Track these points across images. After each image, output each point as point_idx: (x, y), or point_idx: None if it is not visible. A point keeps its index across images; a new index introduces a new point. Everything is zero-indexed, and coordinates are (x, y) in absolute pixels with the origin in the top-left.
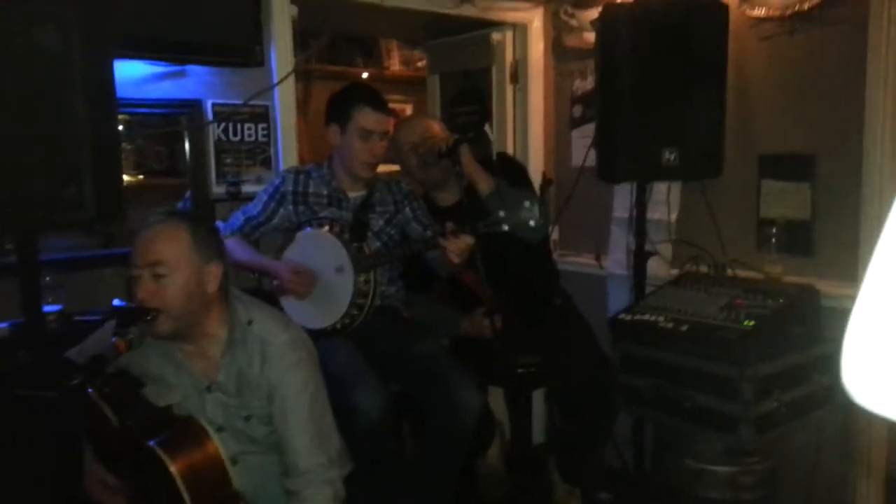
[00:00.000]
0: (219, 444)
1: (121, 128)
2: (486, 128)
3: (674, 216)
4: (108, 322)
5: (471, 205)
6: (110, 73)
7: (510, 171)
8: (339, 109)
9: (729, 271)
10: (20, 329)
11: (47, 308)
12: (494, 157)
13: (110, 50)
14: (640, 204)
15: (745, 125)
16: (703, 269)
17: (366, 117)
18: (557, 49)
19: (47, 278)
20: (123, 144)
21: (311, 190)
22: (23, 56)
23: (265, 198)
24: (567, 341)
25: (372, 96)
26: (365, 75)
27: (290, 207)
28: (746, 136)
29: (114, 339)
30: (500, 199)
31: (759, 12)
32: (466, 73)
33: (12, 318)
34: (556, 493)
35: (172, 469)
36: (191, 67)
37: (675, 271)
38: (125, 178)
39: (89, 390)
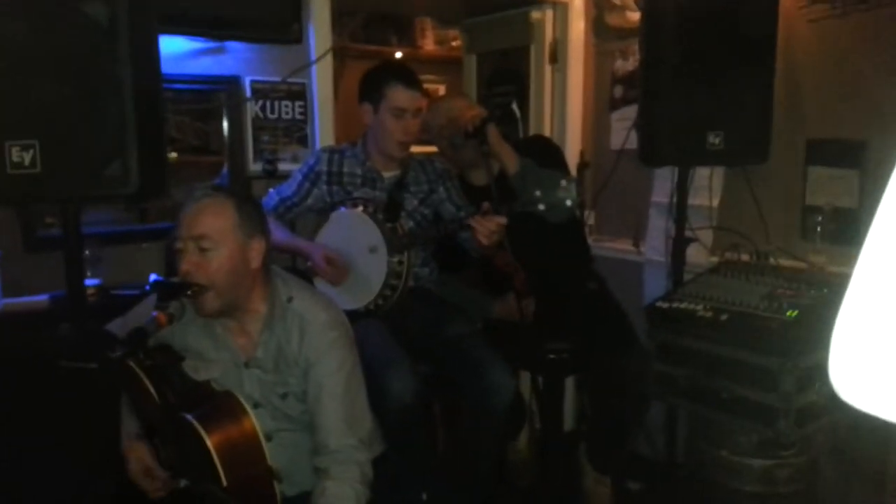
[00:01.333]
0: (255, 421)
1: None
2: (513, 106)
3: (716, 202)
4: (150, 296)
5: (500, 185)
6: (156, 48)
7: (542, 151)
8: (372, 88)
9: (771, 260)
10: (61, 302)
11: (87, 282)
12: (521, 136)
13: (155, 24)
14: (682, 189)
15: (793, 109)
16: (745, 257)
17: (398, 95)
18: (598, 28)
19: (86, 252)
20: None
21: (345, 170)
22: (70, 30)
23: (299, 178)
24: (600, 327)
25: (404, 74)
26: (398, 55)
27: (324, 187)
28: (793, 120)
29: (154, 313)
30: (524, 179)
31: None
32: (504, 53)
33: (53, 291)
34: (586, 481)
35: (209, 443)
36: (230, 44)
37: (715, 259)
38: None
39: (130, 363)
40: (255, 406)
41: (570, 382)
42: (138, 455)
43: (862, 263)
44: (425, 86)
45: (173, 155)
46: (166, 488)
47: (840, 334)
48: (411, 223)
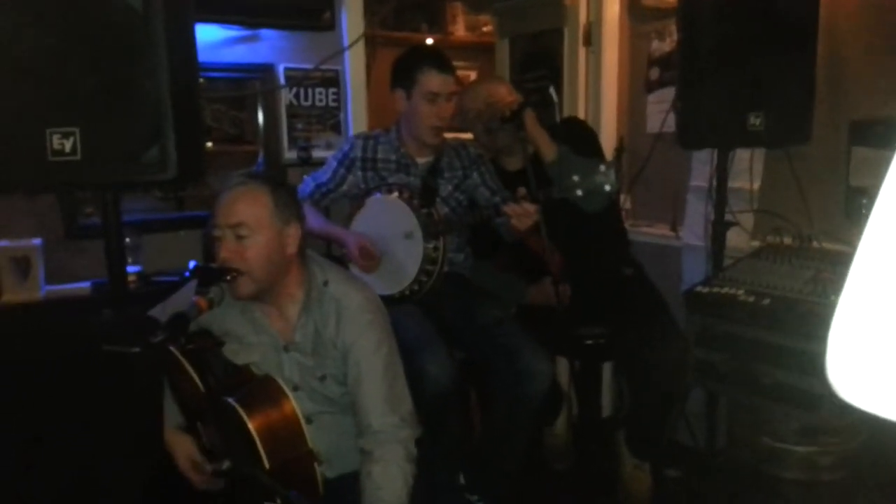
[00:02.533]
0: (295, 404)
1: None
2: (551, 90)
3: (756, 185)
4: (190, 282)
5: (535, 171)
6: (192, 34)
7: (577, 136)
8: (404, 74)
9: (815, 243)
10: (102, 289)
11: (127, 269)
12: (559, 121)
13: (192, 10)
14: (722, 172)
15: (836, 89)
16: (787, 240)
17: (431, 80)
18: (634, 8)
19: (126, 240)
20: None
21: (379, 156)
22: (107, 16)
23: (334, 164)
24: (637, 313)
25: (436, 57)
26: (429, 41)
27: (359, 173)
28: (837, 100)
29: (195, 298)
30: (560, 167)
31: None
32: (536, 36)
33: (94, 278)
34: (625, 467)
35: (250, 426)
36: (263, 32)
37: (756, 243)
38: None
39: (172, 347)
40: (295, 389)
41: (608, 368)
42: (185, 448)
43: (859, 260)
44: (457, 72)
45: (209, 144)
46: (212, 481)
47: (838, 331)
48: (446, 209)
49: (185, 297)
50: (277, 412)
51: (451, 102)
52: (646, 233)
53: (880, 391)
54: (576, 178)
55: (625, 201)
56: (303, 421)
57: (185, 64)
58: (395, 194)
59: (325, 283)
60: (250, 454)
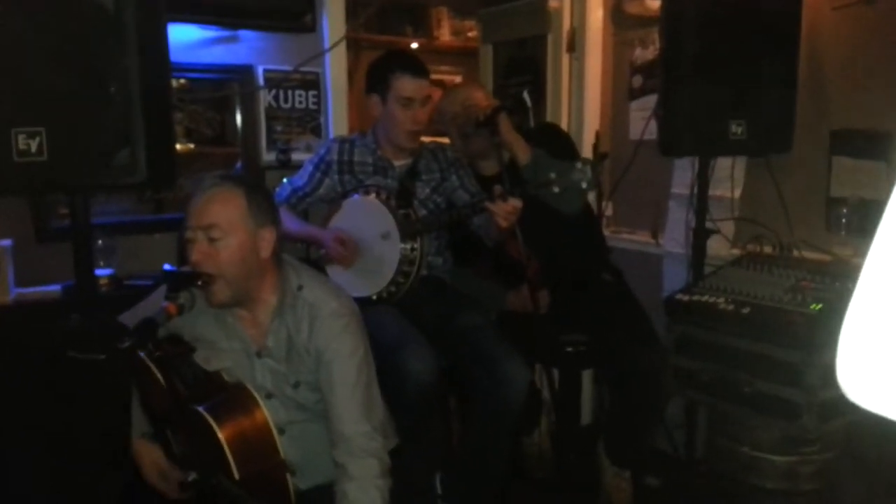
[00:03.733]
0: (267, 413)
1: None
2: (524, 94)
3: (737, 193)
4: (160, 286)
5: (511, 175)
6: (164, 36)
7: (552, 141)
8: (378, 78)
9: (795, 252)
10: (73, 292)
11: (99, 272)
12: (532, 125)
13: (164, 12)
14: (703, 179)
15: (817, 99)
16: (768, 249)
17: (405, 85)
18: (617, 16)
19: (99, 242)
20: (176, 112)
21: (356, 159)
22: (77, 16)
23: (311, 168)
24: (615, 320)
25: (409, 63)
26: (414, 45)
27: (336, 177)
28: (818, 110)
29: (164, 304)
30: (536, 169)
31: None
32: (521, 42)
33: (65, 281)
34: (606, 474)
35: (220, 435)
36: (243, 32)
37: (736, 251)
38: (178, 146)
39: (140, 354)
40: (268, 396)
41: (588, 375)
42: (152, 458)
43: (871, 261)
44: (441, 77)
45: (191, 146)
46: (183, 490)
47: (848, 333)
48: (424, 211)
49: (155, 302)
50: (249, 421)
51: (426, 107)
52: (627, 239)
53: (890, 393)
54: (552, 175)
55: (606, 208)
56: (275, 431)
57: (156, 66)
58: (373, 195)
59: (300, 288)
60: (220, 464)
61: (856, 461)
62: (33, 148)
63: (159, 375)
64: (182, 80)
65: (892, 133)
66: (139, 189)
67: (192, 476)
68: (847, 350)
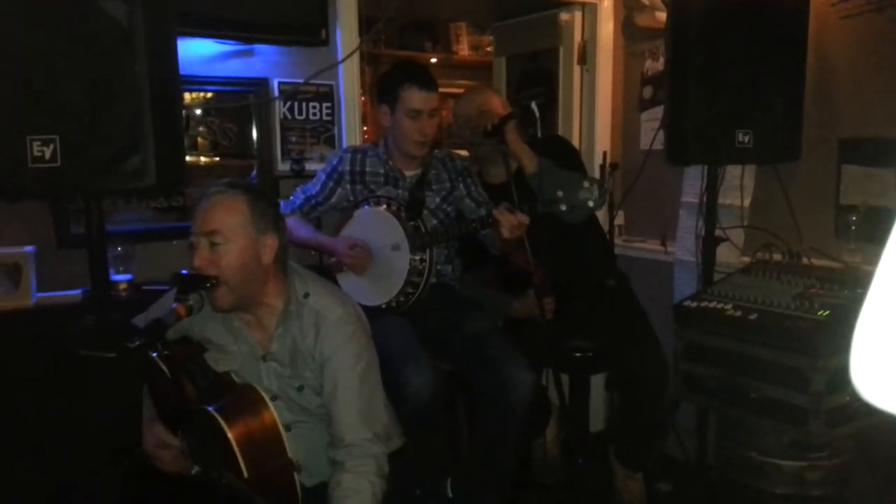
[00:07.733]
0: (275, 413)
1: (198, 110)
2: (533, 105)
3: (747, 201)
4: (172, 290)
5: (518, 184)
6: (173, 46)
7: (557, 152)
8: (387, 90)
9: (805, 260)
10: (90, 295)
11: (118, 277)
12: (539, 136)
13: (174, 24)
14: (712, 188)
15: (825, 107)
16: (777, 256)
17: (413, 97)
18: (628, 29)
19: (119, 249)
20: (200, 127)
21: (367, 169)
22: (91, 27)
23: (323, 177)
24: (615, 324)
25: (417, 75)
26: (433, 60)
27: (348, 187)
28: (826, 118)
29: (174, 305)
30: (542, 179)
31: None
32: (533, 55)
33: (86, 286)
34: (617, 479)
35: (230, 435)
36: (258, 47)
37: (746, 259)
38: (202, 158)
39: (153, 354)
40: (274, 398)
41: (598, 380)
42: (154, 430)
43: (886, 261)
44: (458, 91)
45: (216, 159)
46: (180, 463)
47: (862, 332)
48: (434, 221)
49: (166, 304)
50: (257, 421)
51: (433, 119)
52: (639, 248)
53: None
54: (560, 193)
55: (617, 216)
56: (282, 430)
57: (166, 75)
58: (384, 206)
59: (306, 296)
60: (229, 463)
61: (866, 467)
62: (47, 154)
63: (170, 376)
64: (208, 94)
65: None
66: (149, 193)
67: (195, 470)
68: (861, 348)
